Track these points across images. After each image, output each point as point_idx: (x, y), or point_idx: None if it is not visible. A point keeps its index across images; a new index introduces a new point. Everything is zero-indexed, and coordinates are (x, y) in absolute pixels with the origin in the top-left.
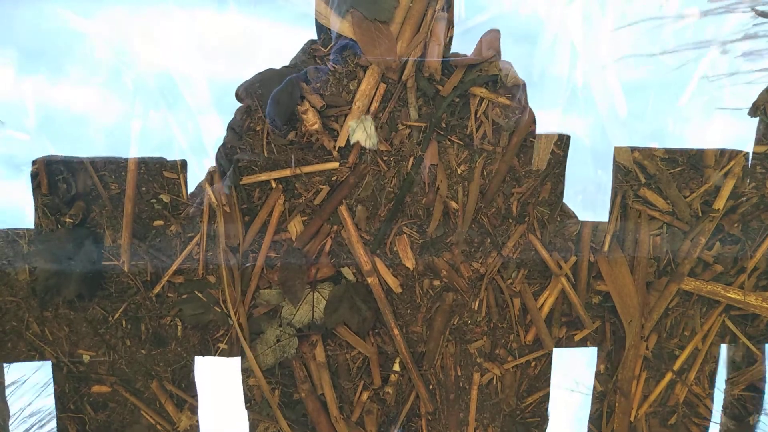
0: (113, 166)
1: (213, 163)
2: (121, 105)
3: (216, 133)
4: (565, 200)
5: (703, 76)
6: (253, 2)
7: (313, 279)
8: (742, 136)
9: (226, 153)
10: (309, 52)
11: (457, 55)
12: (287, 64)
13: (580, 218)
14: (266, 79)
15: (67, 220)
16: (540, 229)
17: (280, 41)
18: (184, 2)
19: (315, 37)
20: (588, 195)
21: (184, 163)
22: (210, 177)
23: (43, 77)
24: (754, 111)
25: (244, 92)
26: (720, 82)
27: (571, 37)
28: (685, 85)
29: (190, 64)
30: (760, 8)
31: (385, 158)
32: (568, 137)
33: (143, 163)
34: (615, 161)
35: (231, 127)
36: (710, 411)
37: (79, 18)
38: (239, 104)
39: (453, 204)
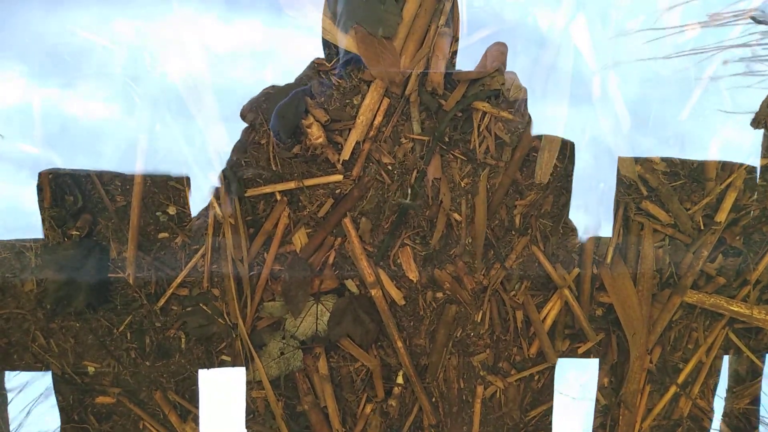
0: (119, 179)
1: (217, 176)
2: (128, 118)
3: (222, 146)
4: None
5: (704, 89)
6: (261, 14)
7: (317, 291)
8: (743, 148)
9: (231, 168)
10: (313, 67)
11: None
12: (292, 81)
13: (583, 231)
14: (271, 95)
15: (74, 232)
16: (543, 242)
17: (289, 53)
18: (193, 16)
19: (321, 52)
20: (590, 207)
21: (188, 177)
22: (216, 191)
23: (52, 91)
24: (756, 124)
25: (248, 110)
26: (721, 94)
27: (573, 50)
28: (686, 98)
29: (197, 77)
30: (757, 15)
31: (388, 171)
32: (573, 145)
33: (149, 175)
34: (619, 172)
35: (238, 146)
36: (711, 423)
37: (87, 32)
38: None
39: (456, 216)
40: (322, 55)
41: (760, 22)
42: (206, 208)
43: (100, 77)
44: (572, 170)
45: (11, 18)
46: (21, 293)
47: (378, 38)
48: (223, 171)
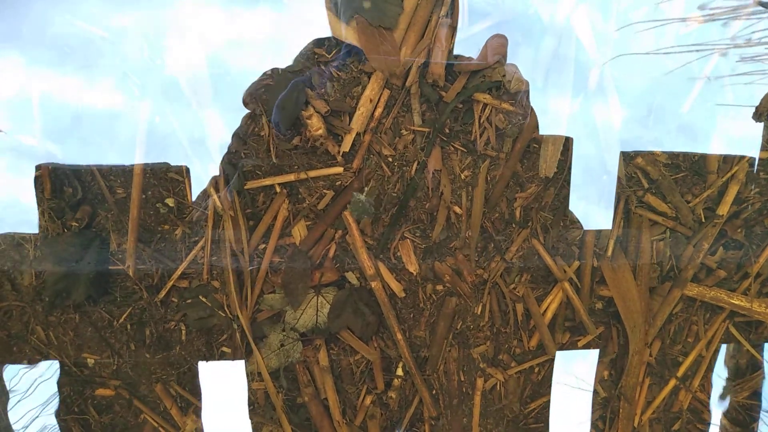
0: (119, 171)
1: (217, 167)
2: (128, 109)
3: (221, 137)
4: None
5: (705, 80)
6: (263, 4)
7: (317, 283)
8: (745, 141)
9: (230, 159)
10: (311, 56)
11: (461, 58)
12: (291, 64)
13: (584, 223)
14: (272, 85)
15: (73, 224)
16: (543, 234)
17: (291, 44)
18: (193, 6)
19: (318, 40)
20: (591, 199)
21: (188, 168)
22: (215, 182)
23: (51, 82)
24: (757, 116)
25: (249, 97)
26: (722, 86)
27: (575, 42)
28: (687, 90)
29: (197, 68)
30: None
31: (389, 163)
32: (571, 140)
33: (149, 167)
34: (620, 165)
35: (237, 134)
36: (710, 416)
37: (87, 23)
38: (245, 109)
39: (456, 209)
40: (321, 45)
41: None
42: (206, 200)
43: (99, 68)
44: (573, 163)
45: (10, 8)
46: (20, 285)
47: (378, 29)
48: (223, 164)
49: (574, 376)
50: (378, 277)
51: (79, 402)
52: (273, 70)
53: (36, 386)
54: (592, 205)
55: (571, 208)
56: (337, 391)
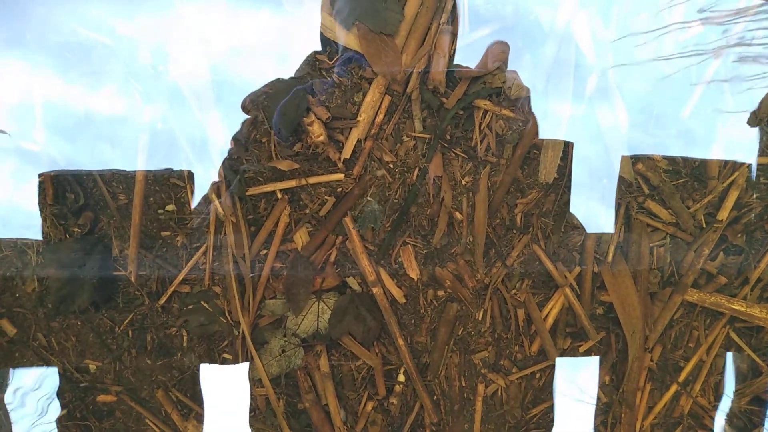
0: (121, 177)
1: (218, 173)
2: (130, 116)
3: (223, 142)
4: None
5: (705, 86)
6: (264, 9)
7: (319, 289)
8: (746, 146)
9: (231, 164)
10: (314, 64)
11: (460, 67)
12: (293, 75)
13: (587, 227)
14: (273, 92)
15: (76, 230)
16: (544, 240)
17: (292, 48)
18: (195, 12)
19: (319, 48)
20: (592, 205)
21: (190, 174)
22: (216, 189)
23: (54, 88)
24: (755, 121)
25: (251, 104)
26: (722, 90)
27: (575, 48)
28: (688, 96)
29: (199, 74)
30: None
31: (390, 169)
32: (572, 145)
33: (151, 174)
34: (620, 172)
35: (236, 139)
36: (711, 421)
37: (90, 30)
38: (245, 114)
39: (457, 215)
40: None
41: None
42: (207, 206)
43: (102, 74)
44: (573, 168)
45: (13, 14)
46: (23, 291)
47: (379, 35)
48: (224, 170)
49: (577, 387)
50: (379, 282)
51: (81, 408)
52: (277, 80)
53: (38, 392)
54: (595, 209)
55: (573, 211)
56: (338, 397)
